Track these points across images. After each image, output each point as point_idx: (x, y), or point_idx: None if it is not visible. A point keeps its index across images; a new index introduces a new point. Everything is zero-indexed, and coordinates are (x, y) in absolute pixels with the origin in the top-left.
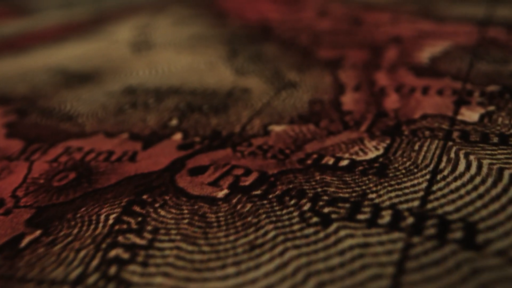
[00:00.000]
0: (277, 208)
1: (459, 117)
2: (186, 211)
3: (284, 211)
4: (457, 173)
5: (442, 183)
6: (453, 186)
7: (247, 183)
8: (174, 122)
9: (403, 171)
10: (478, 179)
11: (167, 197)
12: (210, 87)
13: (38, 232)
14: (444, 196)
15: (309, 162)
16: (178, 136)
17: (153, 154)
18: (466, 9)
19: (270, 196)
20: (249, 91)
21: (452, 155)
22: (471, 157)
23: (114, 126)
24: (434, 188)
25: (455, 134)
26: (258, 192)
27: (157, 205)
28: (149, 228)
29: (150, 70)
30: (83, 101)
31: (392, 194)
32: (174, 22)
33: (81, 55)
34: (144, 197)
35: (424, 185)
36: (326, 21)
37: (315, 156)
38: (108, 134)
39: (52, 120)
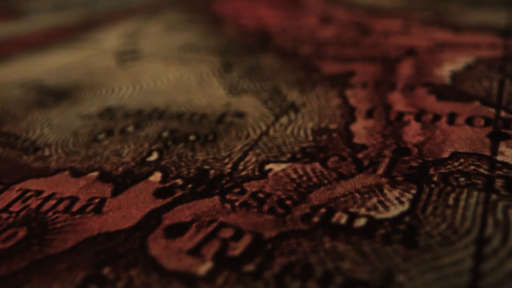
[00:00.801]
0: None
1: (500, 158)
2: None
3: None
4: (511, 244)
5: (493, 261)
6: (509, 265)
7: (237, 252)
8: (153, 156)
9: (438, 238)
10: None
11: (133, 273)
12: (199, 110)
13: None
14: (499, 284)
15: (315, 220)
16: (157, 177)
17: (124, 202)
18: (485, 16)
19: (266, 274)
20: (244, 115)
21: (500, 215)
22: None
23: (84, 161)
24: (484, 268)
25: (498, 183)
26: (251, 268)
27: (120, 285)
28: None
29: (134, 86)
30: (54, 127)
31: (428, 277)
32: (165, 29)
33: (61, 67)
34: (105, 271)
35: (469, 263)
36: (330, 29)
37: (323, 210)
38: (76, 172)
39: (15, 151)
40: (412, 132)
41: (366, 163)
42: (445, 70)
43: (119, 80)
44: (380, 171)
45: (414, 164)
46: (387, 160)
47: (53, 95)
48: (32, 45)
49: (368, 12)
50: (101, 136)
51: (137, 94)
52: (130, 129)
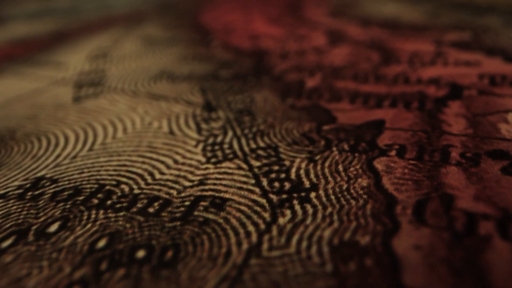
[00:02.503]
0: None
1: None
2: None
3: None
4: None
5: None
6: None
7: None
8: None
9: None
10: None
11: None
12: (162, 192)
13: None
14: None
15: None
16: None
17: None
18: None
19: None
20: (225, 206)
21: None
22: None
23: None
24: None
25: None
26: None
27: None
28: None
29: (83, 139)
30: None
31: None
32: (141, 50)
33: (3, 103)
34: None
35: None
36: (342, 53)
37: None
38: None
39: None
40: (497, 261)
41: None
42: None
43: (68, 128)
44: None
45: None
46: None
47: None
48: None
49: (388, 29)
50: (4, 257)
51: (82, 158)
52: (53, 229)
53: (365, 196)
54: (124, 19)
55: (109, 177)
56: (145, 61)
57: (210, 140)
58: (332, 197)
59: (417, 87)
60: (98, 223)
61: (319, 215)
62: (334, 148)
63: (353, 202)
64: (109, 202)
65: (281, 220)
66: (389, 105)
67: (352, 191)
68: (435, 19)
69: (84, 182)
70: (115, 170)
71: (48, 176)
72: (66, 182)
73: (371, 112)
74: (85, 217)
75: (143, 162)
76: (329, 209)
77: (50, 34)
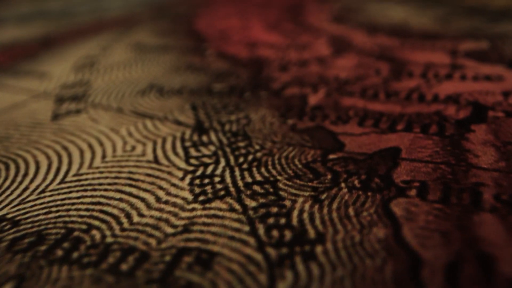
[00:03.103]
0: None
1: None
2: None
3: None
4: None
5: None
6: None
7: None
8: None
9: None
10: None
11: None
12: (135, 245)
13: None
14: None
15: None
16: None
17: None
18: None
19: None
20: (212, 263)
21: None
22: None
23: None
24: None
25: None
26: None
27: None
28: None
29: (56, 168)
30: None
31: None
32: (129, 60)
33: None
34: None
35: None
36: (348, 65)
37: None
38: None
39: None
40: None
41: None
42: None
43: (43, 152)
44: None
45: None
46: None
47: None
48: None
49: (397, 37)
50: None
51: (51, 194)
52: None
53: (383, 253)
54: (116, 24)
55: (79, 219)
56: (134, 71)
57: (199, 171)
58: (343, 253)
59: (434, 106)
60: (58, 285)
61: (327, 280)
62: (343, 184)
63: (368, 261)
64: (75, 254)
65: (280, 286)
66: (404, 129)
67: (366, 244)
68: (446, 25)
69: (49, 226)
70: (87, 210)
71: (9, 216)
72: (29, 225)
73: (384, 137)
74: (44, 276)
75: (121, 200)
76: (340, 271)
77: (39, 39)
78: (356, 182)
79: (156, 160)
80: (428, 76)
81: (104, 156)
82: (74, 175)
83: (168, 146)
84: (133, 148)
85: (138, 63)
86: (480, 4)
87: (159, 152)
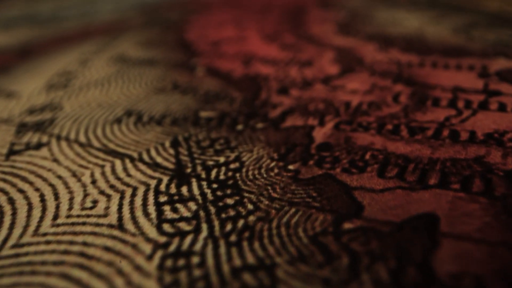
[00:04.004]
0: None
1: None
2: None
3: None
4: None
5: None
6: None
7: None
8: None
9: None
10: None
11: None
12: None
13: None
14: None
15: None
16: None
17: None
18: None
19: None
20: None
21: None
22: None
23: None
24: None
25: None
26: None
27: None
28: None
29: (12, 223)
30: None
31: None
32: (109, 77)
33: None
34: None
35: None
36: (359, 88)
37: None
38: None
39: None
40: None
41: None
42: None
43: None
44: None
45: None
46: None
47: None
48: None
49: (414, 53)
50: None
51: None
52: None
53: None
54: (102, 31)
55: None
56: (113, 92)
57: (174, 245)
58: None
59: (472, 150)
60: None
61: None
62: (365, 276)
63: None
64: None
65: None
66: (439, 184)
67: None
68: (469, 38)
69: None
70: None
71: None
72: None
73: (414, 197)
74: None
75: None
76: None
77: (17, 48)
78: (383, 273)
79: (120, 225)
80: (458, 106)
81: (56, 217)
82: (12, 246)
83: (138, 201)
84: (95, 203)
85: (119, 81)
86: (503, 11)
87: (126, 212)
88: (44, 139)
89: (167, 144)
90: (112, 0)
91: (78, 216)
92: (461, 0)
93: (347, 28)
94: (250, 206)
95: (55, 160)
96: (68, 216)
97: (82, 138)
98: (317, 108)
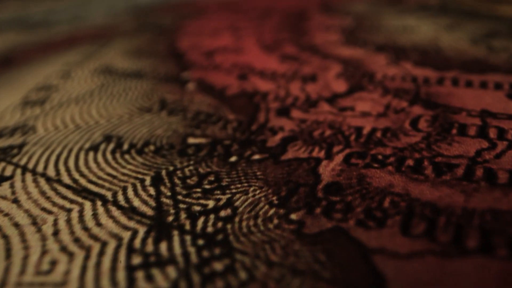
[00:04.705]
0: None
1: None
2: None
3: None
4: None
5: None
6: None
7: None
8: None
9: None
10: None
11: None
12: None
13: None
14: None
15: None
16: None
17: None
18: None
19: None
20: None
21: None
22: None
23: None
24: None
25: None
26: None
27: None
28: None
29: None
30: None
31: None
32: (91, 93)
33: None
34: None
35: None
36: (371, 111)
37: None
38: None
39: None
40: None
41: None
42: None
43: None
44: None
45: None
46: None
47: None
48: None
49: (431, 68)
50: None
51: None
52: None
53: None
54: (91, 37)
55: None
56: (94, 111)
57: None
58: None
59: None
60: None
61: None
62: None
63: None
64: None
65: None
66: (480, 247)
67: None
68: (491, 50)
69: None
70: None
71: None
72: None
73: (450, 268)
74: None
75: None
76: None
77: (1, 56)
78: None
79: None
80: (489, 135)
81: (2, 285)
82: None
83: (106, 263)
84: (53, 265)
85: (102, 96)
86: None
87: (89, 279)
88: (8, 171)
89: (148, 181)
90: (105, 4)
91: (30, 284)
92: (475, 5)
93: (353, 37)
94: (243, 275)
95: (16, 201)
96: (18, 285)
97: (51, 171)
98: (323, 135)
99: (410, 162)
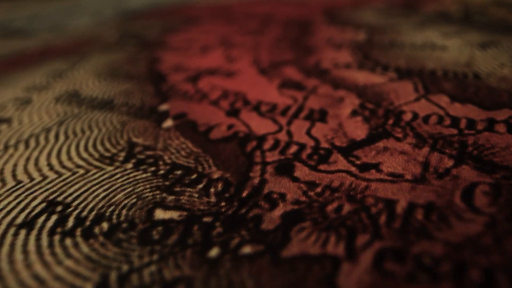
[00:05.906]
0: None
1: None
2: None
3: None
4: None
5: None
6: None
7: None
8: None
9: None
10: None
11: None
12: None
13: None
14: None
15: None
16: None
17: None
18: None
19: None
20: None
21: None
22: None
23: None
24: None
25: None
26: None
27: None
28: None
29: None
30: None
31: None
32: (49, 130)
33: None
34: None
35: None
36: (403, 172)
37: None
38: None
39: None
40: None
41: None
42: None
43: None
44: None
45: None
46: None
47: None
48: None
49: (474, 105)
50: None
51: None
52: None
53: None
54: (66, 51)
55: None
56: (42, 162)
57: None
58: None
59: None
60: None
61: None
62: None
63: None
64: None
65: None
66: None
67: None
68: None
69: None
70: None
71: None
72: None
73: None
74: None
75: None
76: None
77: None
78: None
79: None
80: None
81: None
82: None
83: None
84: None
85: (59, 138)
86: None
87: None
88: None
89: (91, 283)
90: (93, 8)
91: None
92: (509, 18)
93: (369, 58)
94: None
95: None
96: None
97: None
98: (341, 212)
99: (473, 272)
